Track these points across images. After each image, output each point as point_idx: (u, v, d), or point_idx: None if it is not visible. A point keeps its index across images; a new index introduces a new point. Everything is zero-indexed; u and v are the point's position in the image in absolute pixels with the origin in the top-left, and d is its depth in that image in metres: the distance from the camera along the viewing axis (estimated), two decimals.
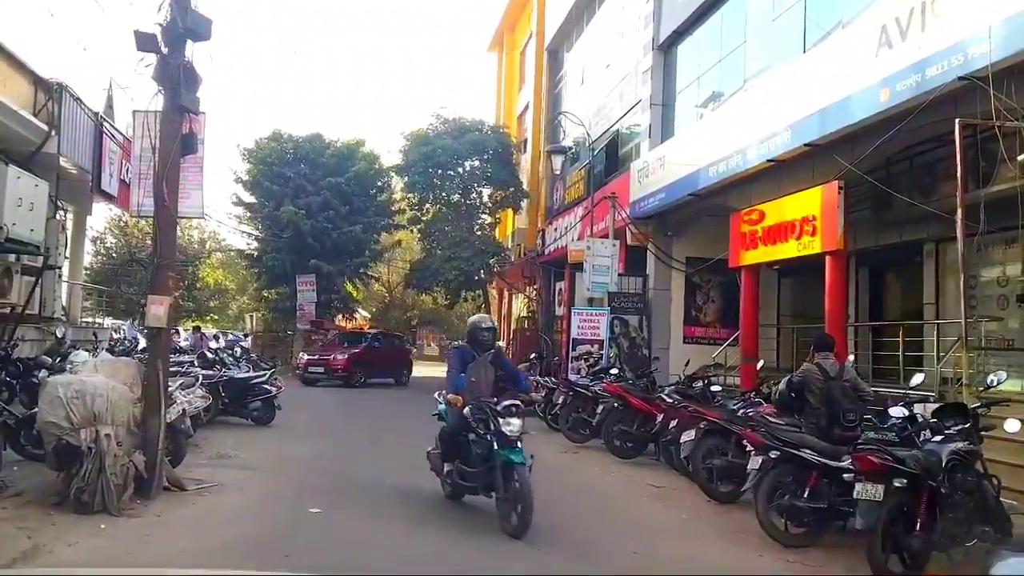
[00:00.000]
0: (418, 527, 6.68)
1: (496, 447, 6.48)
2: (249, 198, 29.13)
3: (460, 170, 26.96)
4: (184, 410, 8.12)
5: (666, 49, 17.22)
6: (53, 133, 12.42)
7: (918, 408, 6.94)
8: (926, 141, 10.40)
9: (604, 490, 8.99)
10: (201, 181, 8.60)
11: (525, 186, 27.74)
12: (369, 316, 43.08)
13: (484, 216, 28.40)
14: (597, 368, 14.19)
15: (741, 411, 8.74)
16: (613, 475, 9.89)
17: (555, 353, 20.73)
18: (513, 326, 30.66)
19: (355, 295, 33.24)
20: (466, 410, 6.87)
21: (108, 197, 15.45)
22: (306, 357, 23.08)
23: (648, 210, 16.01)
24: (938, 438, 5.85)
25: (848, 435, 6.85)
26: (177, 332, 26.10)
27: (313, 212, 26.86)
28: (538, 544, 6.19)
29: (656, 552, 6.45)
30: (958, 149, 7.88)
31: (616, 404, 11.07)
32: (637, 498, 8.57)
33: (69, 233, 15.64)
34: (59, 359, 9.24)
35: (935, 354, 10.67)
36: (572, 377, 14.69)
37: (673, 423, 9.47)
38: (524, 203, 27.90)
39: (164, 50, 7.30)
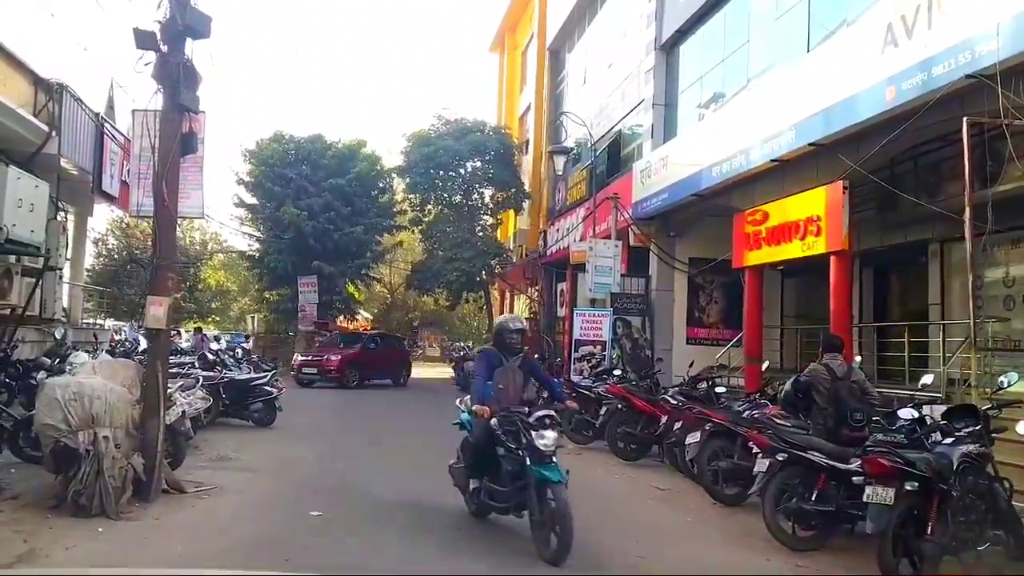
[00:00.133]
0: (419, 529, 6.59)
1: (529, 463, 5.83)
2: (251, 199, 29.10)
3: (462, 171, 26.95)
4: (184, 412, 8.05)
5: (668, 49, 17.15)
6: (53, 134, 12.38)
7: (925, 410, 6.86)
8: (931, 140, 10.33)
9: (608, 492, 8.89)
10: (201, 181, 8.54)
11: (527, 187, 27.69)
12: (371, 317, 43.02)
13: (486, 217, 28.37)
14: (600, 369, 14.12)
15: (747, 413, 8.64)
16: (617, 477, 9.80)
17: (557, 354, 20.66)
18: None
19: (357, 296, 33.20)
20: (493, 421, 6.18)
21: (109, 198, 15.40)
22: (299, 358, 22.97)
23: (651, 210, 15.93)
24: (949, 440, 5.75)
25: (856, 435, 6.79)
26: (179, 333, 26.09)
27: (315, 213, 26.81)
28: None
29: (661, 555, 6.36)
30: (966, 147, 7.79)
31: (620, 405, 11.00)
32: (641, 500, 8.49)
33: (70, 234, 15.60)
34: (58, 360, 9.17)
35: (941, 355, 10.58)
36: (575, 378, 14.62)
37: (678, 425, 9.37)
38: (526, 204, 27.85)
39: (163, 48, 7.23)
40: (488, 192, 28.18)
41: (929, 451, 5.81)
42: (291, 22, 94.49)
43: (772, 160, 11.35)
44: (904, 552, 5.48)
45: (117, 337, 18.40)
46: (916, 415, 6.22)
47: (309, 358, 22.76)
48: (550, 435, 5.83)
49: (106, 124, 14.53)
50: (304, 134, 29.37)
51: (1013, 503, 6.00)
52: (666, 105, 17.14)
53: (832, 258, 10.61)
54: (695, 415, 9.03)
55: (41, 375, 8.15)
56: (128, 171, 14.28)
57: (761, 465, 6.86)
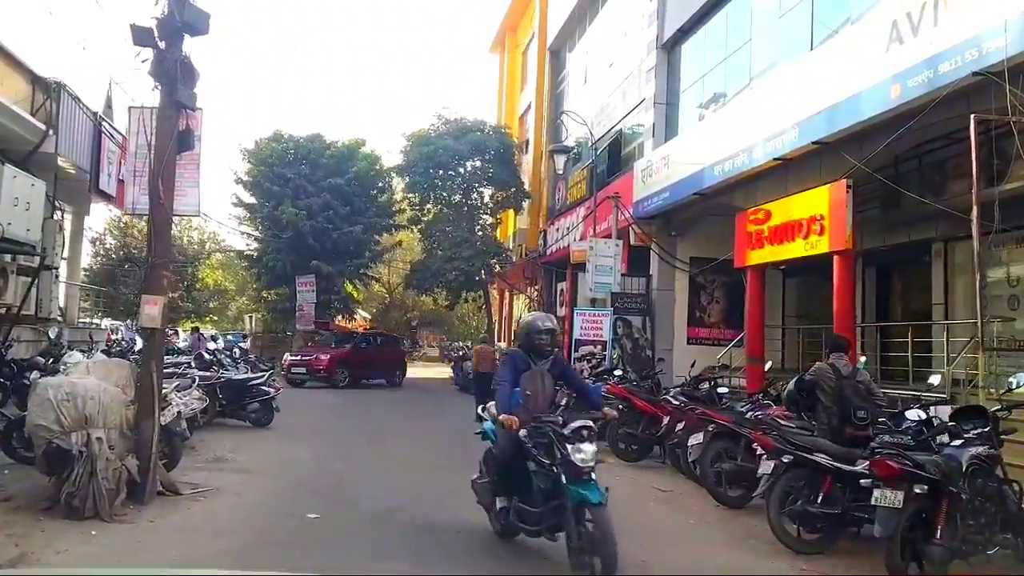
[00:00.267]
0: (419, 530, 6.50)
1: (564, 481, 5.12)
2: (249, 198, 28.99)
3: (461, 170, 26.85)
4: (180, 412, 7.96)
5: (670, 48, 17.06)
6: (51, 132, 12.30)
7: (931, 411, 6.77)
8: (936, 139, 10.24)
9: (609, 494, 8.78)
10: (198, 179, 8.46)
11: (527, 186, 27.60)
12: (369, 317, 42.91)
13: (485, 217, 28.27)
14: (600, 369, 14.03)
15: (750, 414, 8.56)
16: (618, 478, 9.67)
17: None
18: (514, 327, 30.47)
19: (355, 296, 33.08)
20: (522, 433, 5.46)
21: (106, 197, 15.30)
22: (289, 358, 22.79)
23: (652, 210, 15.84)
24: (957, 442, 5.67)
25: (859, 434, 6.72)
26: (176, 333, 25.97)
27: (313, 213, 26.70)
28: (542, 547, 6.01)
29: (664, 558, 6.26)
30: (973, 145, 7.70)
31: (621, 406, 10.89)
32: (643, 502, 8.38)
33: (67, 233, 15.51)
34: (52, 360, 9.07)
35: (945, 355, 10.50)
36: None
37: (680, 426, 9.27)
38: (525, 203, 27.77)
39: (161, 45, 7.13)
40: (488, 191, 28.09)
41: (937, 453, 5.72)
42: (291, 20, 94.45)
43: (775, 159, 11.26)
44: (912, 556, 5.39)
45: (114, 337, 18.28)
46: (924, 416, 6.13)
47: (298, 358, 22.57)
48: (588, 449, 5.12)
49: (104, 123, 14.44)
50: (303, 133, 29.29)
51: (1023, 506, 5.90)
52: (667, 104, 17.05)
53: (835, 258, 10.52)
54: (698, 416, 8.94)
55: (34, 375, 8.04)
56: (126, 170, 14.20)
57: (765, 467, 6.77)
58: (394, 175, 29.26)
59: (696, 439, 8.53)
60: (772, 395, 9.44)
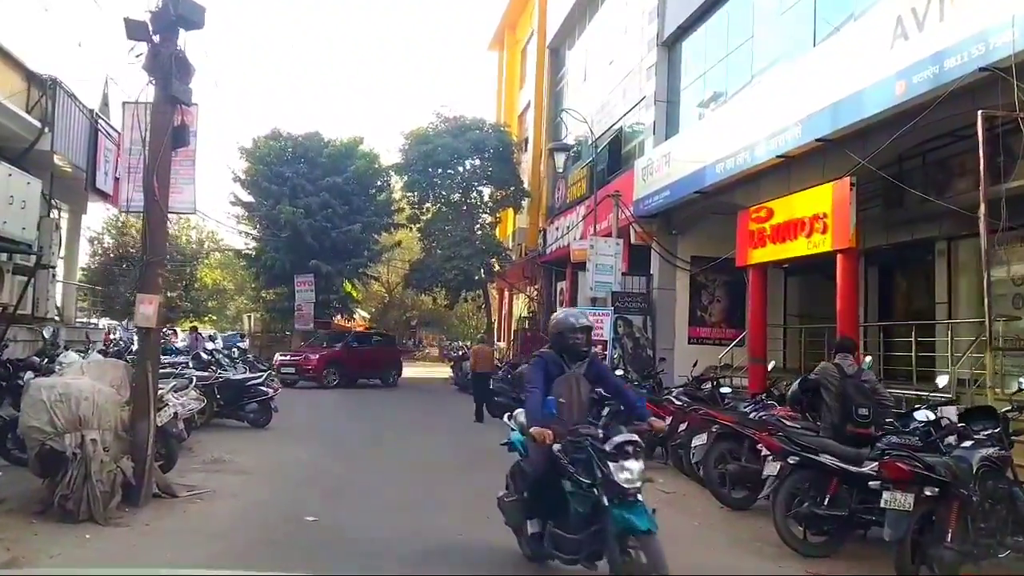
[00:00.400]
0: (418, 532, 6.40)
1: (607, 504, 4.49)
2: (247, 197, 28.85)
3: (460, 169, 26.74)
4: (176, 413, 7.85)
5: (671, 45, 16.96)
6: (46, 130, 12.18)
7: (928, 411, 6.70)
8: (939, 137, 10.15)
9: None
10: (193, 175, 8.33)
11: (526, 185, 27.51)
12: (368, 316, 42.80)
13: (485, 215, 28.17)
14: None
15: (754, 414, 8.46)
16: None
17: None
18: (514, 326, 30.42)
19: (354, 295, 32.96)
20: (556, 447, 4.79)
21: (103, 195, 15.17)
22: (279, 358, 22.56)
23: (652, 208, 15.74)
24: (967, 443, 5.56)
25: (861, 432, 6.65)
26: (175, 333, 25.86)
27: (311, 211, 26.57)
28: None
29: (668, 561, 6.15)
30: (981, 142, 7.61)
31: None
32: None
33: (64, 232, 15.40)
34: (47, 360, 8.96)
35: (949, 355, 10.41)
36: None
37: (683, 426, 9.17)
38: (525, 202, 27.67)
39: (155, 39, 7.02)
40: (487, 190, 27.98)
41: (945, 454, 5.63)
42: (289, 17, 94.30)
43: (778, 156, 11.16)
44: (921, 559, 5.29)
45: (112, 336, 18.19)
46: (933, 417, 6.03)
47: (287, 358, 22.37)
48: (634, 467, 4.52)
49: (100, 120, 14.31)
50: (301, 131, 29.14)
51: None
52: (668, 102, 16.96)
53: (839, 256, 10.42)
54: (701, 416, 8.84)
55: (28, 375, 7.92)
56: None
57: (771, 468, 6.67)
58: (393, 174, 29.15)
59: (700, 440, 8.43)
60: (775, 395, 9.35)
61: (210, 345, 17.86)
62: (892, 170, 10.75)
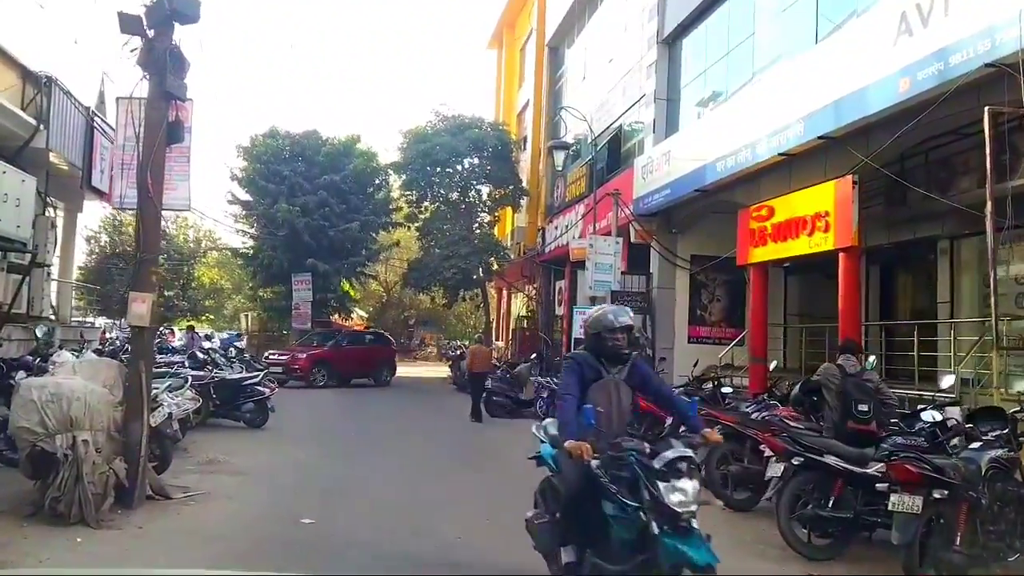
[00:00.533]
0: (418, 536, 6.30)
1: (655, 531, 3.84)
2: (244, 196, 28.73)
3: (459, 167, 26.61)
4: (171, 413, 7.76)
5: (671, 42, 16.86)
6: (41, 127, 12.07)
7: (934, 411, 6.62)
8: (942, 135, 10.07)
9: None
10: (188, 172, 8.23)
11: (525, 184, 27.41)
12: (366, 316, 42.69)
13: (483, 214, 28.06)
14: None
15: (756, 414, 8.36)
16: None
17: (557, 352, 20.39)
18: (512, 326, 30.32)
19: (352, 294, 32.84)
20: (594, 463, 4.11)
21: (99, 194, 15.07)
22: (268, 357, 22.31)
23: (652, 207, 15.65)
24: (976, 444, 5.47)
25: (861, 428, 6.58)
26: (172, 332, 25.75)
27: (309, 210, 26.44)
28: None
29: None
30: (987, 138, 7.51)
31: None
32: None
33: (59, 230, 15.28)
34: (39, 360, 8.85)
35: (951, 355, 10.33)
36: None
37: (683, 427, 9.05)
38: (524, 201, 27.57)
39: (149, 33, 6.91)
40: (485, 189, 27.86)
41: (952, 455, 5.54)
42: (287, 14, 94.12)
43: (779, 154, 11.06)
44: (929, 563, 5.19)
45: (109, 335, 18.07)
46: (939, 418, 5.94)
47: (276, 357, 22.13)
48: (689, 487, 3.89)
49: (96, 118, 14.19)
50: (299, 130, 29.01)
51: None
52: (668, 100, 16.85)
53: (841, 255, 10.33)
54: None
55: (20, 375, 7.80)
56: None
57: (774, 469, 6.57)
58: (391, 172, 29.03)
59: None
60: (777, 395, 9.25)
61: (207, 344, 17.75)
62: (894, 168, 10.66)
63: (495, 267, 27.17)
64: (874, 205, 11.78)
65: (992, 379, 8.31)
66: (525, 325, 27.47)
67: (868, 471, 5.88)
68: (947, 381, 7.10)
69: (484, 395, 15.61)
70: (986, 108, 7.54)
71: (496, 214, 28.81)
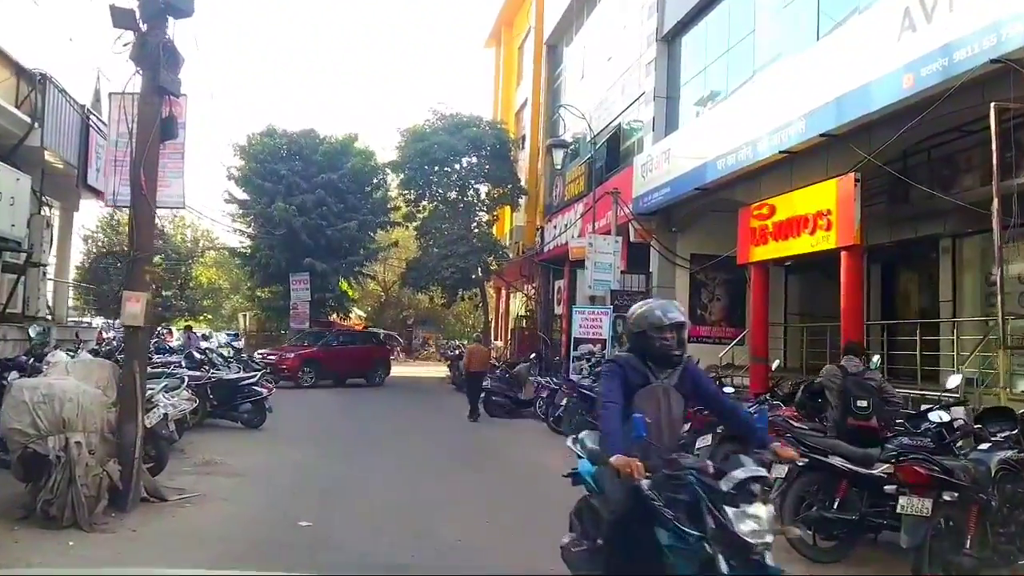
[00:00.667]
0: (417, 538, 6.21)
1: (722, 564, 3.21)
2: (242, 195, 28.62)
3: (457, 166, 26.51)
4: (167, 414, 7.64)
5: (670, 40, 16.76)
6: (36, 125, 11.96)
7: (941, 412, 6.53)
8: (944, 132, 9.98)
9: None
10: (182, 169, 8.11)
11: (523, 183, 27.32)
12: (365, 315, 42.57)
13: (482, 213, 27.97)
14: (600, 368, 13.71)
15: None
16: None
17: (556, 352, 20.31)
18: (511, 325, 30.24)
19: (350, 294, 32.73)
20: (645, 483, 3.44)
21: (95, 192, 14.93)
22: (259, 356, 22.02)
23: (652, 205, 15.56)
24: (985, 445, 5.38)
25: (861, 424, 6.51)
26: (170, 332, 25.59)
27: (306, 209, 26.32)
28: (543, 557, 5.71)
29: None
30: (993, 135, 7.43)
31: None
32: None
33: (55, 230, 15.17)
34: (33, 360, 8.75)
35: (954, 354, 10.24)
36: (574, 377, 14.29)
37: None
38: (522, 200, 27.48)
39: (143, 27, 6.80)
40: (484, 188, 27.77)
41: (960, 457, 5.44)
42: (285, 13, 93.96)
43: (781, 152, 10.97)
44: (939, 566, 5.09)
45: (106, 335, 17.93)
46: (947, 418, 5.84)
47: (265, 356, 21.68)
48: (763, 513, 3.30)
49: (92, 116, 14.07)
50: (296, 128, 28.87)
51: None
52: (668, 98, 16.76)
53: (843, 253, 10.24)
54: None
55: (12, 375, 7.70)
56: None
57: (778, 471, 6.46)
58: (389, 171, 28.92)
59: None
60: (780, 395, 9.16)
61: (204, 344, 17.63)
62: (896, 166, 10.58)
63: (494, 266, 27.09)
64: (876, 203, 11.70)
65: (996, 378, 8.23)
66: (524, 325, 27.38)
67: (874, 472, 5.78)
68: (953, 381, 7.01)
69: (483, 395, 15.52)
70: (992, 104, 7.46)
71: (495, 213, 28.73)
